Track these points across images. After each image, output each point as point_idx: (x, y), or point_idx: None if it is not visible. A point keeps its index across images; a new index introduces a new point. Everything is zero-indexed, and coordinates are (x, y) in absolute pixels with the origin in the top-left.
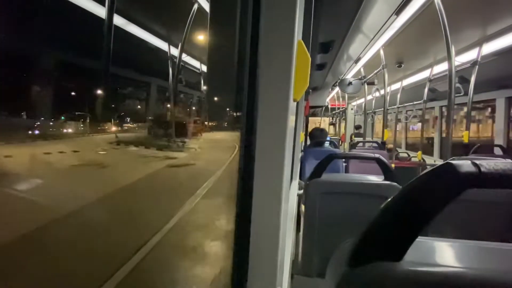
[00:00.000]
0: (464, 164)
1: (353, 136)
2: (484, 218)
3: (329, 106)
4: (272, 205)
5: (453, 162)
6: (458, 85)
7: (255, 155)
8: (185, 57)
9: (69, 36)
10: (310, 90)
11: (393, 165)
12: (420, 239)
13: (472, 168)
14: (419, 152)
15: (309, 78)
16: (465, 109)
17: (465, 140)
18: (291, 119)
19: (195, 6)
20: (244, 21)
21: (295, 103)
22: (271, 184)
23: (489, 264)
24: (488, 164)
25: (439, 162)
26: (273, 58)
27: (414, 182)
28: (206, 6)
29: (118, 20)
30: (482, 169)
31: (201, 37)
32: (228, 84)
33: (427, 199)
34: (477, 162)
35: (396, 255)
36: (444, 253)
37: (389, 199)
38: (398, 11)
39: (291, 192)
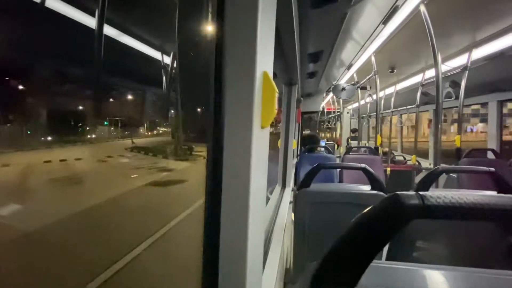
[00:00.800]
0: (410, 196)
1: (349, 140)
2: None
3: (325, 110)
4: (239, 220)
5: (400, 194)
6: (449, 89)
7: (223, 168)
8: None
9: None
10: (302, 98)
11: (388, 169)
12: (377, 263)
13: (416, 201)
14: (414, 156)
15: (275, 106)
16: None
17: (457, 144)
18: (259, 144)
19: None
20: (209, 53)
21: (266, 128)
22: (238, 211)
23: None
24: (432, 196)
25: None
26: (237, 89)
27: (366, 213)
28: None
29: None
30: (426, 202)
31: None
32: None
33: (377, 229)
34: (422, 193)
35: (351, 281)
36: (399, 278)
37: (347, 227)
38: (385, 21)
39: (284, 200)
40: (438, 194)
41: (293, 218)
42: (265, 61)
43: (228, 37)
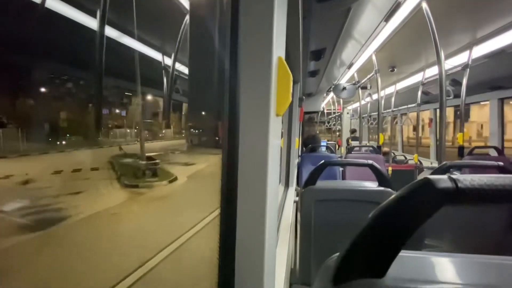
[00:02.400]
0: (441, 180)
1: (350, 140)
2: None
3: (325, 111)
4: (256, 219)
5: (431, 177)
6: (448, 88)
7: (238, 168)
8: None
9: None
10: (304, 97)
11: (390, 168)
12: (404, 253)
13: (449, 184)
14: (415, 155)
15: (291, 93)
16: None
17: (460, 142)
18: (274, 133)
19: (187, 17)
20: (223, 40)
21: (279, 117)
22: (254, 197)
23: (475, 279)
24: (465, 179)
25: (435, 164)
26: (253, 75)
27: (393, 198)
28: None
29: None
30: (459, 184)
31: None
32: (210, 101)
33: (406, 215)
34: (455, 177)
35: (379, 271)
36: (428, 268)
37: (370, 216)
38: (387, 18)
39: (287, 199)
40: (472, 176)
41: (297, 217)
42: (279, 46)
43: (244, 21)
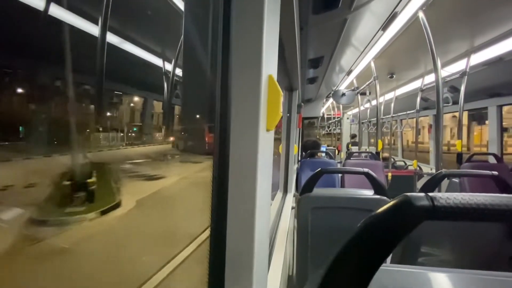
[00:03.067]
0: (419, 197)
1: (350, 145)
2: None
3: (325, 116)
4: (246, 228)
5: (409, 195)
6: (446, 95)
7: (228, 182)
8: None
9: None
10: (303, 104)
11: (390, 174)
12: (386, 267)
13: (425, 202)
14: (415, 161)
15: (281, 109)
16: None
17: (458, 149)
18: (264, 147)
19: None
20: (215, 58)
21: (270, 132)
22: (244, 211)
23: None
24: (442, 197)
25: (435, 170)
26: (243, 92)
27: (374, 215)
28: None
29: None
30: (435, 203)
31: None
32: (201, 114)
33: (386, 231)
34: (431, 195)
35: (360, 286)
36: (408, 281)
37: (353, 231)
38: (384, 27)
39: (286, 205)
40: (448, 195)
41: (295, 224)
42: (270, 64)
43: (235, 41)
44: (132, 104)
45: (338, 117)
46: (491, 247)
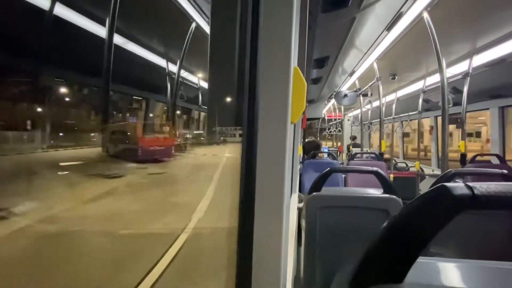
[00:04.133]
0: (458, 187)
1: (351, 147)
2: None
3: (326, 118)
4: (273, 224)
5: (447, 185)
6: (448, 96)
7: (255, 176)
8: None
9: None
10: (307, 104)
11: (391, 176)
12: (422, 259)
13: (465, 191)
14: (417, 162)
15: (305, 101)
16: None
17: (462, 149)
18: (290, 141)
19: (193, 25)
20: (243, 50)
21: (293, 125)
22: (272, 207)
23: (491, 285)
24: (481, 186)
25: (437, 171)
26: (271, 84)
27: (410, 205)
28: (204, 25)
29: None
30: (476, 191)
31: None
32: (229, 109)
33: (423, 222)
34: (471, 184)
35: (397, 277)
36: (446, 274)
37: (387, 222)
38: (389, 27)
39: (291, 205)
40: (487, 184)
41: (302, 224)
42: (295, 57)
43: (265, 33)
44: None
45: (339, 119)
46: (499, 248)
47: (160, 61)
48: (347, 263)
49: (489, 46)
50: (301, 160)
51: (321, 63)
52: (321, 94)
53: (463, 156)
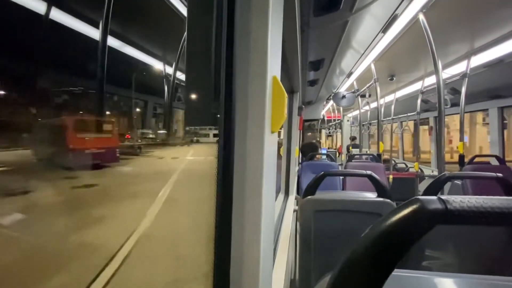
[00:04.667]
0: (431, 201)
1: (350, 148)
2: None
3: (325, 118)
4: (252, 230)
5: (421, 198)
6: (446, 97)
7: (232, 185)
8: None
9: None
10: (303, 106)
11: (391, 176)
12: (398, 272)
13: (438, 205)
14: (416, 163)
15: (285, 111)
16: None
17: (460, 151)
18: (269, 150)
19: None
20: (219, 59)
21: (275, 134)
22: (250, 213)
23: None
24: (455, 200)
25: (436, 172)
26: (247, 93)
27: (385, 218)
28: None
29: None
30: (449, 206)
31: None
32: (206, 115)
33: (398, 235)
34: (444, 198)
35: None
36: (417, 287)
37: (362, 236)
38: (385, 29)
39: (287, 208)
40: (461, 198)
41: (297, 227)
42: (274, 66)
43: (239, 41)
44: None
45: (338, 120)
46: (496, 251)
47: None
48: (326, 276)
49: (487, 46)
50: (299, 161)
51: (316, 66)
52: (319, 95)
53: (461, 157)
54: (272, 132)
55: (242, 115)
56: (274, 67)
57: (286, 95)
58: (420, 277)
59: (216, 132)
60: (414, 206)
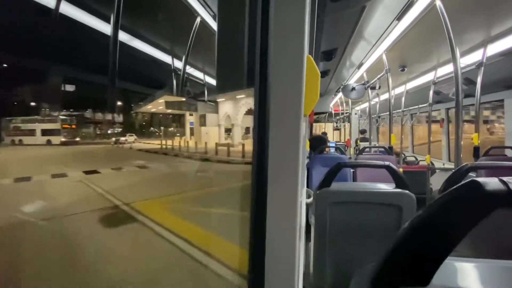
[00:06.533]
0: (491, 182)
1: (358, 141)
2: None
3: (333, 112)
4: (288, 219)
5: (479, 180)
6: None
7: (267, 169)
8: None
9: None
10: None
11: (401, 170)
12: (448, 260)
13: (500, 187)
14: (428, 156)
15: (319, 92)
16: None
17: (475, 142)
18: (303, 133)
19: (198, 20)
20: (253, 37)
21: (306, 117)
22: (286, 198)
23: None
24: None
25: (448, 165)
26: (284, 75)
27: (437, 202)
28: (208, 19)
29: None
30: (511, 186)
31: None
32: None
33: (453, 220)
34: (505, 179)
35: (423, 279)
36: (474, 275)
37: (411, 220)
38: (400, 16)
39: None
40: None
41: (311, 220)
42: (308, 45)
43: (277, 21)
44: None
45: (346, 113)
46: None
47: None
48: (365, 262)
49: (504, 34)
50: (308, 155)
51: (329, 56)
52: (328, 87)
53: (476, 149)
54: (305, 115)
55: (279, 98)
56: (308, 47)
57: (320, 75)
58: (465, 264)
59: (47, 127)
60: (471, 188)
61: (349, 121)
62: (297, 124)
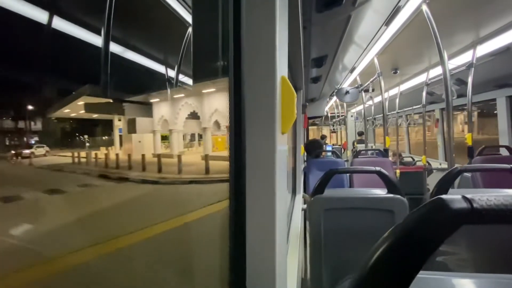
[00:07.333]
0: (455, 200)
1: (355, 143)
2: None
3: (329, 115)
4: (266, 230)
5: (444, 197)
6: (452, 88)
7: (245, 186)
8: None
9: None
10: (307, 104)
11: (398, 171)
12: (422, 274)
13: (463, 204)
14: (424, 157)
15: (295, 111)
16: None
17: (469, 142)
18: (280, 150)
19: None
20: (226, 58)
21: (285, 135)
22: (262, 221)
23: None
24: (481, 199)
25: (445, 164)
26: (256, 94)
27: (407, 220)
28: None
29: None
30: (475, 205)
31: None
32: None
33: (422, 237)
34: (469, 197)
35: None
36: None
37: (382, 238)
38: (388, 22)
39: (295, 207)
40: (487, 196)
41: (306, 226)
42: (282, 65)
43: (246, 42)
44: None
45: (342, 115)
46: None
47: None
48: (345, 278)
49: (493, 35)
50: (304, 159)
51: (319, 62)
52: (322, 92)
53: (470, 149)
54: (283, 133)
55: (253, 117)
56: (282, 67)
57: (295, 94)
58: (444, 278)
59: None
60: (438, 206)
61: (345, 124)
62: (272, 142)
